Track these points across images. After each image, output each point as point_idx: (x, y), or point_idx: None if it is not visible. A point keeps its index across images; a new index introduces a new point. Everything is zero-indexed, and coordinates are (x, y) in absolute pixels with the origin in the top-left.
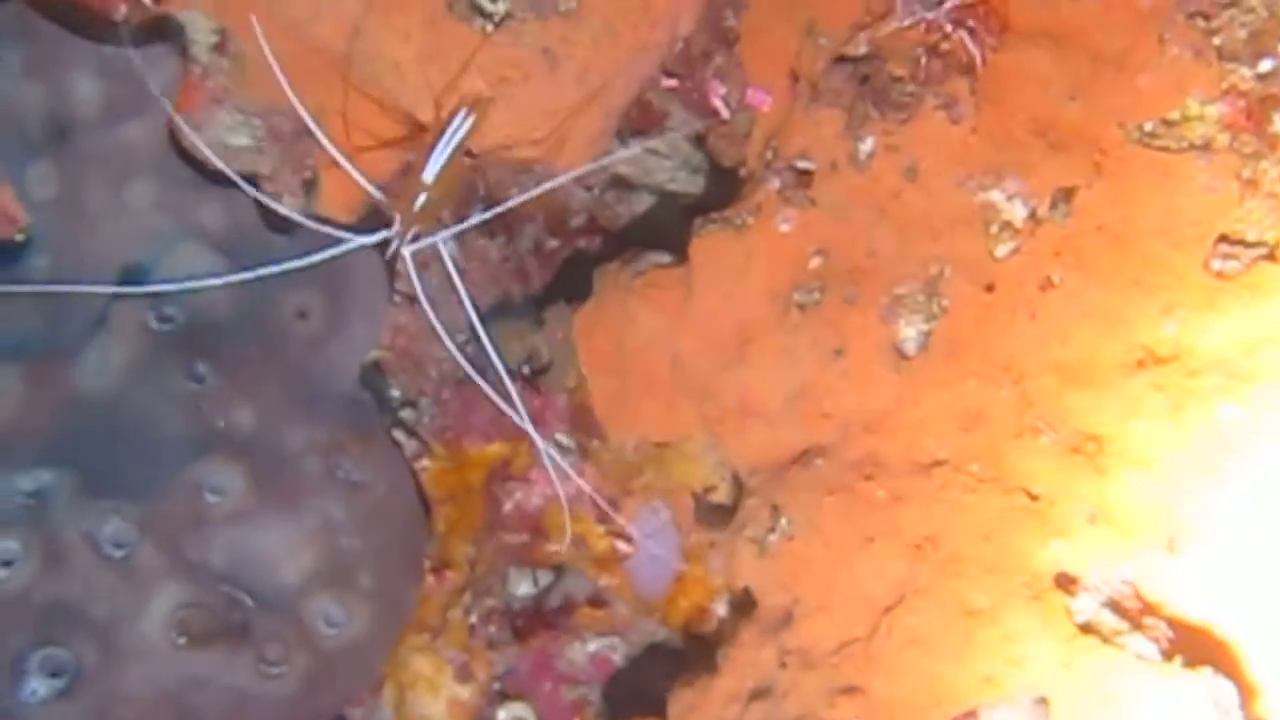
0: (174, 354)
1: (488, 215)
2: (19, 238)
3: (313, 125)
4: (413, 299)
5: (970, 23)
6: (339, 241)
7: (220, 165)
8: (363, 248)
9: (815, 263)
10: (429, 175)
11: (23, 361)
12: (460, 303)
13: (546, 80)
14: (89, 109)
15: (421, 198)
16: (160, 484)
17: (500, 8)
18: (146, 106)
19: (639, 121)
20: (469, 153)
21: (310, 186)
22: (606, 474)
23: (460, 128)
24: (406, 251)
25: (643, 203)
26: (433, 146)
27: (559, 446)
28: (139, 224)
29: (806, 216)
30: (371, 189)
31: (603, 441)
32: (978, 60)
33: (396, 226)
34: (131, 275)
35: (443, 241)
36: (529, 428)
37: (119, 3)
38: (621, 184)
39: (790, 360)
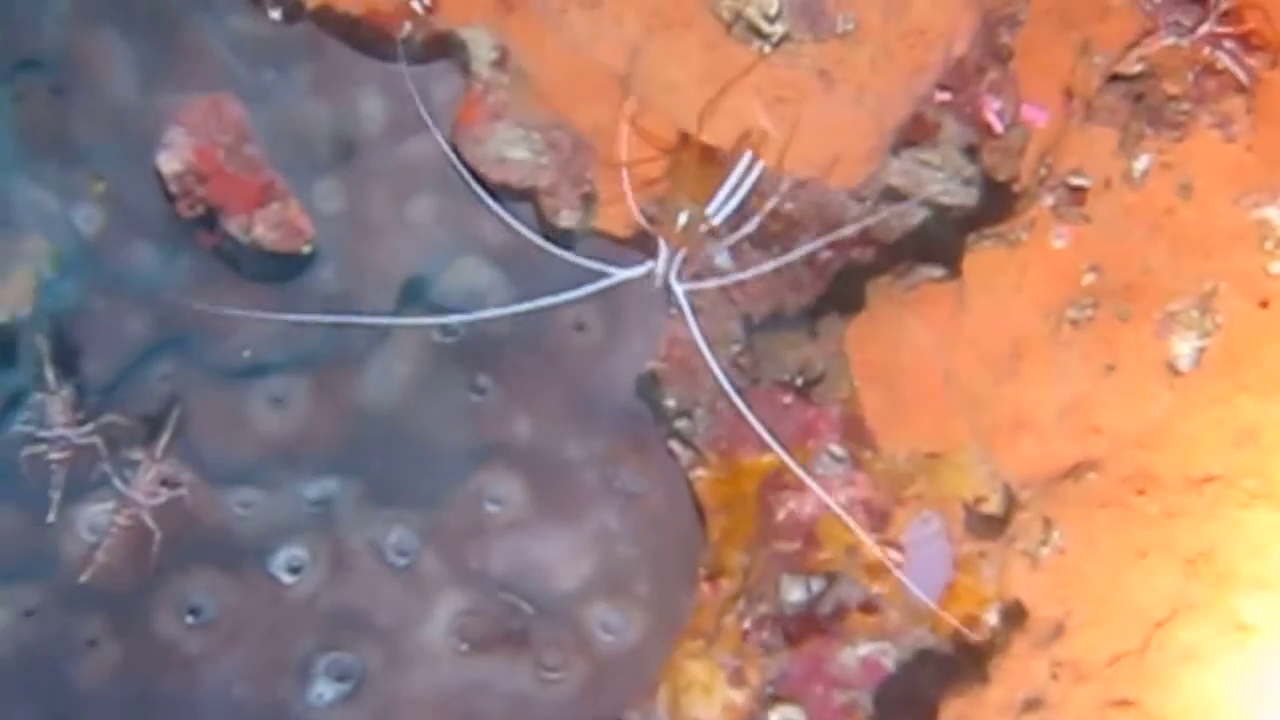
0: (456, 366)
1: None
2: (306, 249)
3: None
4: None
5: (1228, 44)
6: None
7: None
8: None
9: (1088, 279)
10: (717, 216)
11: (311, 373)
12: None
13: (822, 101)
14: (374, 126)
15: (682, 219)
16: (441, 494)
17: (778, 30)
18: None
19: (912, 133)
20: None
21: (589, 201)
22: (878, 484)
23: (749, 174)
24: (678, 288)
25: (915, 215)
26: (715, 185)
27: (832, 456)
28: (420, 238)
29: (1080, 233)
30: (640, 217)
31: (875, 451)
32: (1242, 79)
33: (662, 259)
34: (413, 288)
35: (680, 284)
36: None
37: (403, 21)
38: (894, 196)
39: (1062, 375)
